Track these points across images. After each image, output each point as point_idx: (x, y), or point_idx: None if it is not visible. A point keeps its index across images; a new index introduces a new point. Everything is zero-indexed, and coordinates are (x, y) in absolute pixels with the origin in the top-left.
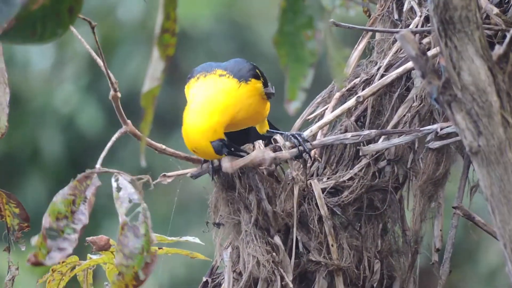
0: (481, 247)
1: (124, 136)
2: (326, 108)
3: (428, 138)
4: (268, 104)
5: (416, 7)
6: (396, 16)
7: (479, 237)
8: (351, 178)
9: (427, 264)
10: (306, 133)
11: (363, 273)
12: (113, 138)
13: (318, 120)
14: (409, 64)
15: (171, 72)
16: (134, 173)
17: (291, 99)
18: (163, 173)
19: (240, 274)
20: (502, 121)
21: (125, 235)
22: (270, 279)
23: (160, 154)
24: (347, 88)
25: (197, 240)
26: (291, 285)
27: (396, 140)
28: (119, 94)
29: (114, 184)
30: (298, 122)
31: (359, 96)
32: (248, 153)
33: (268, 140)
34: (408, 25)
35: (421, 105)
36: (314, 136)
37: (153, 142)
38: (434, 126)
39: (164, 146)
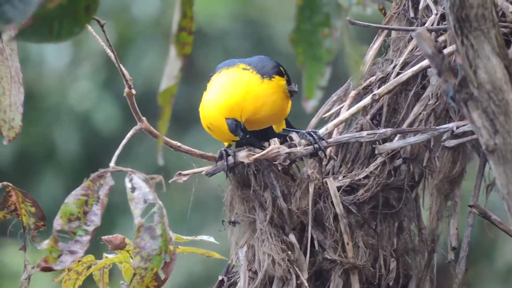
0: (497, 245)
1: (140, 132)
2: (342, 106)
3: (444, 136)
4: (290, 102)
5: (432, 5)
6: (412, 14)
7: (495, 236)
8: (366, 177)
9: (443, 263)
10: (322, 131)
11: (378, 272)
12: (128, 136)
13: (334, 118)
14: (425, 62)
15: (186, 69)
16: (150, 170)
17: (308, 97)
18: (179, 172)
19: (255, 273)
20: None
21: (142, 237)
22: (285, 277)
23: (175, 151)
24: (362, 86)
25: (212, 240)
26: (306, 283)
27: (412, 139)
28: (134, 91)
29: (128, 185)
30: (314, 120)
31: (374, 94)
32: (264, 147)
33: (284, 138)
34: (424, 23)
35: (437, 103)
36: (329, 134)
37: (168, 139)
38: (450, 125)
39: (179, 144)
